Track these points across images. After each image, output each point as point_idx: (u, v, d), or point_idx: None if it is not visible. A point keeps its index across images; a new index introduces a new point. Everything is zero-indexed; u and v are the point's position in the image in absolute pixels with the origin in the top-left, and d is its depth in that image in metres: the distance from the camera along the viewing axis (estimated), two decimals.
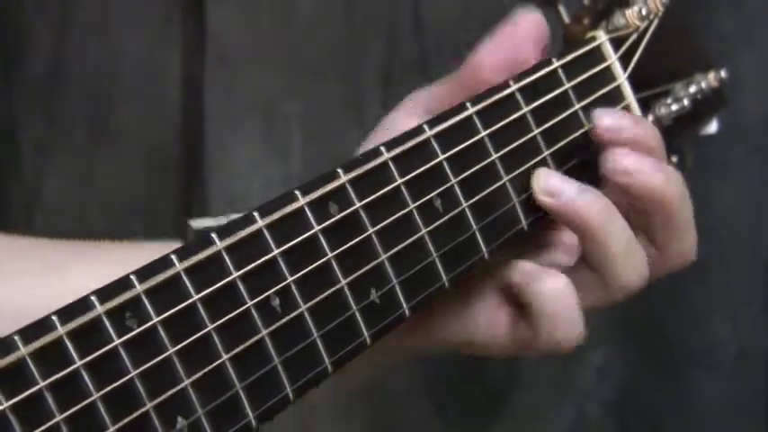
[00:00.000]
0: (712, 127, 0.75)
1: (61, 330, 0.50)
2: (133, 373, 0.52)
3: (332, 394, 1.20)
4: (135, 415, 0.51)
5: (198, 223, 0.67)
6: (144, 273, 0.53)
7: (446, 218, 0.63)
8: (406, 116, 0.70)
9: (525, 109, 0.67)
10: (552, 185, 0.66)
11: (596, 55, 0.70)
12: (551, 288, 0.66)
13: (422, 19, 1.22)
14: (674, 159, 0.73)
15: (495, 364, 1.26)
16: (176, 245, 0.66)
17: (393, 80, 1.23)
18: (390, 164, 0.61)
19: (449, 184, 0.63)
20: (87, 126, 1.20)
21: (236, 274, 0.55)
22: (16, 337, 0.49)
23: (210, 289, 0.54)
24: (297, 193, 0.58)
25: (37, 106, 1.19)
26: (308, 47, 1.21)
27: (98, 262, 0.67)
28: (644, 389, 1.28)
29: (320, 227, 0.58)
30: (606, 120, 0.67)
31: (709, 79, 0.73)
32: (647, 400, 1.29)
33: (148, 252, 0.66)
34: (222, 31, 1.20)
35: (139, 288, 0.52)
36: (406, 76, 1.22)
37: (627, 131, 0.66)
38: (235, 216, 0.66)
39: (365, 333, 0.59)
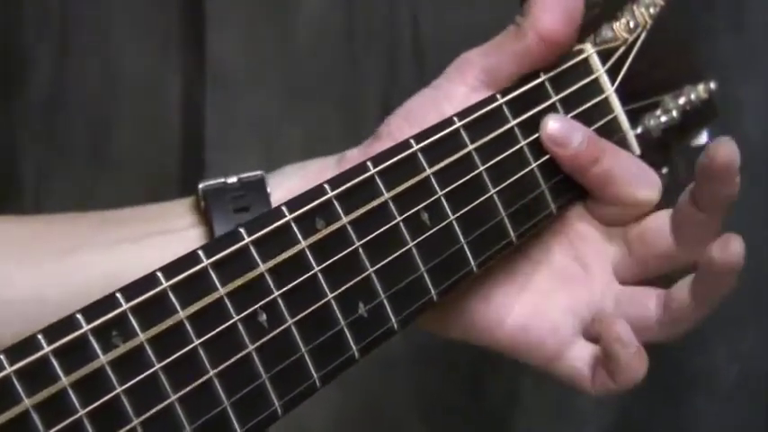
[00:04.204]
0: (702, 138, 0.75)
1: (47, 349, 0.50)
2: (119, 390, 0.51)
3: (330, 418, 1.20)
4: (122, 431, 0.51)
5: (207, 185, 0.68)
6: (130, 290, 0.53)
7: (433, 231, 0.63)
8: (459, 83, 0.68)
9: (513, 122, 0.66)
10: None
11: (584, 68, 0.70)
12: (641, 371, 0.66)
13: (421, 41, 1.22)
14: (665, 171, 0.72)
15: (494, 389, 1.26)
16: (181, 205, 0.68)
17: (393, 103, 1.22)
18: (377, 178, 0.61)
19: (436, 197, 0.63)
20: (88, 150, 1.20)
21: (222, 291, 0.55)
22: (1, 356, 0.49)
23: (197, 305, 0.54)
24: (283, 209, 0.58)
25: (38, 131, 1.19)
26: (307, 71, 1.22)
27: (109, 239, 0.67)
28: (644, 414, 1.28)
29: (307, 242, 0.58)
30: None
31: (699, 90, 0.73)
32: (647, 425, 1.28)
33: (153, 214, 0.68)
34: (222, 55, 1.21)
35: (125, 306, 0.52)
36: (406, 99, 1.23)
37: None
38: (245, 175, 0.67)
39: (353, 347, 0.59)
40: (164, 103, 1.21)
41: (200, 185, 0.68)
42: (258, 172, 0.68)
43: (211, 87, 1.21)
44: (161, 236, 0.67)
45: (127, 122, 1.20)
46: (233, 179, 0.68)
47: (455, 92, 0.68)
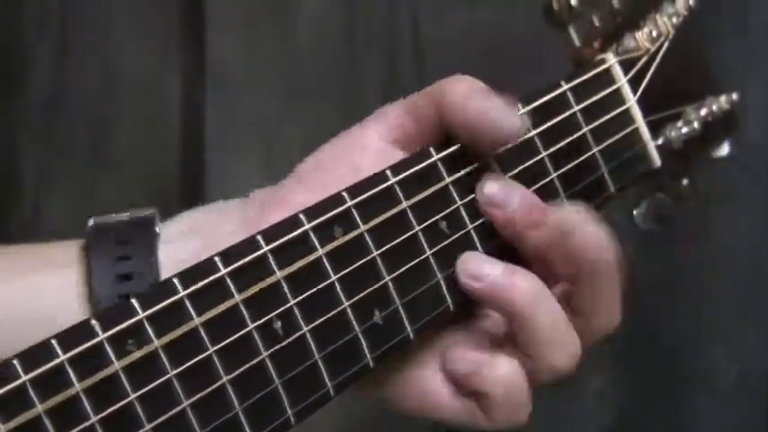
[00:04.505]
0: (724, 150, 0.74)
1: (62, 356, 0.49)
2: (132, 397, 0.51)
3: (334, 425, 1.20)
4: None
5: (97, 220, 0.63)
6: (146, 299, 0.52)
7: (451, 240, 0.62)
8: (369, 137, 0.65)
9: (533, 132, 0.66)
10: (476, 269, 0.62)
11: (606, 77, 0.69)
12: (504, 374, 0.62)
13: (421, 41, 1.22)
14: (685, 182, 0.72)
15: None
16: (74, 245, 0.63)
17: None
18: (396, 187, 0.61)
19: (455, 207, 0.63)
20: (88, 150, 1.20)
21: (238, 298, 0.55)
22: (15, 362, 0.48)
23: (212, 312, 0.54)
24: (302, 217, 0.58)
25: (38, 131, 1.19)
26: (307, 71, 1.21)
27: None
28: (644, 414, 1.28)
29: (324, 250, 0.58)
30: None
31: (721, 102, 0.72)
32: (647, 425, 1.28)
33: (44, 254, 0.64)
34: (222, 56, 1.20)
35: (142, 314, 0.52)
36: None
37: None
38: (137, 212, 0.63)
39: (368, 355, 0.59)
40: (164, 103, 1.21)
41: (90, 220, 0.63)
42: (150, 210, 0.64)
43: (211, 87, 1.20)
44: (41, 269, 0.63)
45: (127, 122, 1.20)
46: (122, 216, 0.63)
47: (366, 142, 0.64)
